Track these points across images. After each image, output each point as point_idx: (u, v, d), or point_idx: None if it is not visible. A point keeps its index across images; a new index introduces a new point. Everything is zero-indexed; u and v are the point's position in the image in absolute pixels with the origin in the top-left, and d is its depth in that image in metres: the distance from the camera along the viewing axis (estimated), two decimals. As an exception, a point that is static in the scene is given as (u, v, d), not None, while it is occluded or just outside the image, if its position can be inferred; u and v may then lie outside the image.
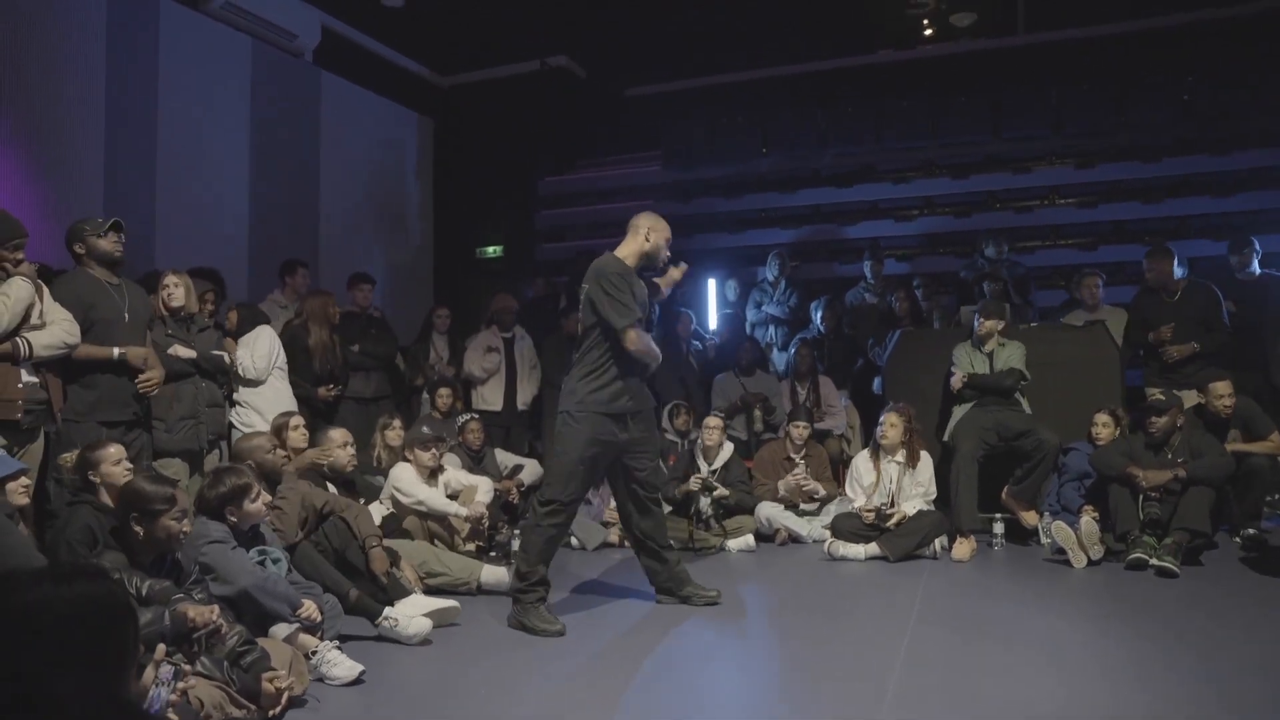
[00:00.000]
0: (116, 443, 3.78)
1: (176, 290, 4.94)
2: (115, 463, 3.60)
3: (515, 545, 4.89)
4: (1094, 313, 6.73)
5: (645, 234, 4.12)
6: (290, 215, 8.57)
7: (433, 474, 5.23)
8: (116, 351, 4.35)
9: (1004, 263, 7.70)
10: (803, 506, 6.05)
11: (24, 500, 3.46)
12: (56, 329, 4.05)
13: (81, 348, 4.23)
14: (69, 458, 3.78)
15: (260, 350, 5.42)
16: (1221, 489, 5.11)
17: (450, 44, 10.19)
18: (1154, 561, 4.76)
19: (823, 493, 5.97)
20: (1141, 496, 5.08)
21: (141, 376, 4.46)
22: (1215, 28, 8.90)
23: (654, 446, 4.29)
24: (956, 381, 5.82)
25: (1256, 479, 5.30)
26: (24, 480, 3.49)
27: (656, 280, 4.41)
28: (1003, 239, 7.87)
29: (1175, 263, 6.31)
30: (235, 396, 5.44)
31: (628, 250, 4.12)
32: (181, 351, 4.82)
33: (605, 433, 3.96)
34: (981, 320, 5.90)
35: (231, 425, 5.38)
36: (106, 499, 3.53)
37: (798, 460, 6.03)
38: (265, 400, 5.42)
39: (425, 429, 5.32)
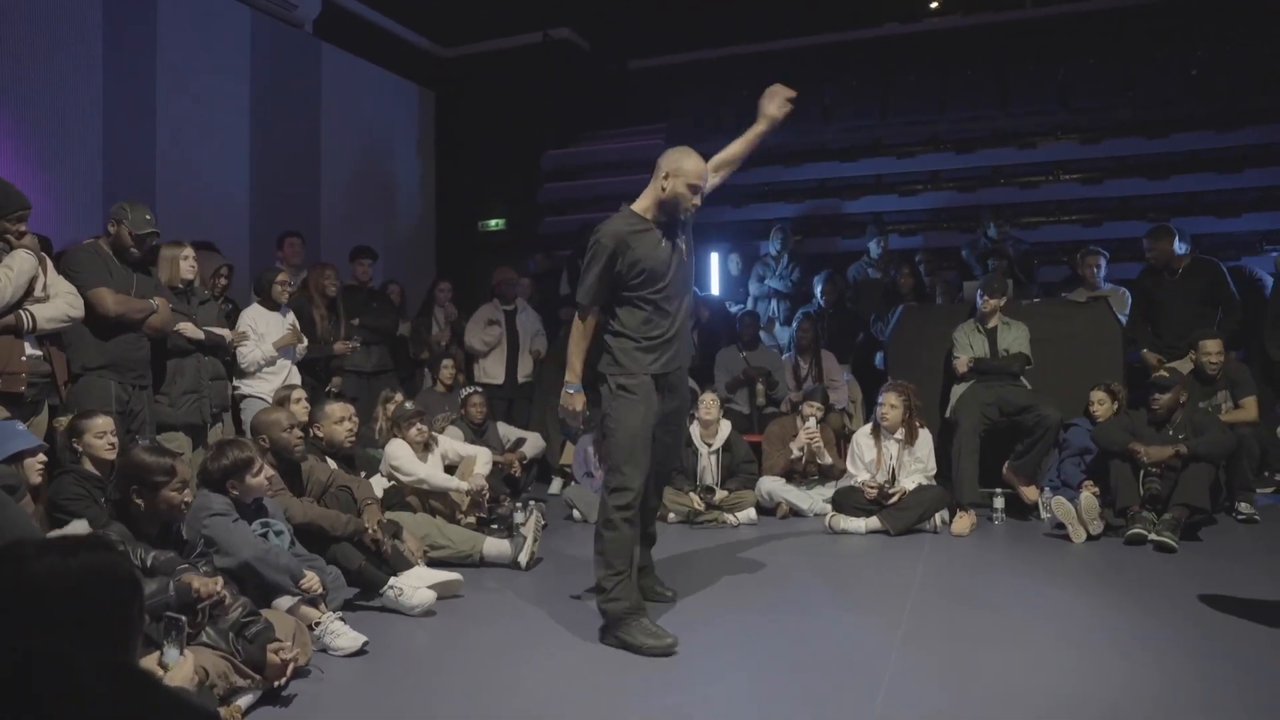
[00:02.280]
0: (107, 415, 3.80)
1: (194, 262, 4.96)
2: (99, 435, 3.64)
3: (518, 518, 4.91)
4: (1098, 289, 6.73)
5: (663, 179, 3.51)
6: (291, 188, 8.53)
7: (425, 447, 5.24)
8: (155, 303, 4.45)
9: (1008, 240, 7.68)
10: (804, 482, 6.06)
11: (38, 479, 3.48)
12: (60, 302, 4.05)
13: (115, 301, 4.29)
14: (63, 421, 3.82)
15: (268, 349, 5.49)
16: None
17: (451, 15, 10.11)
18: (1152, 536, 4.78)
19: (829, 459, 5.97)
20: (1142, 472, 5.10)
21: None
22: (1223, 3, 8.81)
23: (682, 419, 3.99)
24: (961, 366, 5.82)
25: (1243, 450, 5.34)
26: (41, 457, 3.51)
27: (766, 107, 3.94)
28: (1004, 218, 7.85)
29: (1176, 241, 6.32)
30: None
31: (645, 201, 3.58)
32: (189, 331, 4.83)
33: (654, 399, 3.54)
34: (985, 298, 5.89)
35: (243, 396, 5.43)
36: (89, 467, 3.61)
37: (810, 420, 5.95)
38: (274, 370, 5.47)
39: (407, 405, 5.36)
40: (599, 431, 6.19)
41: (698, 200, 3.55)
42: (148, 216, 4.44)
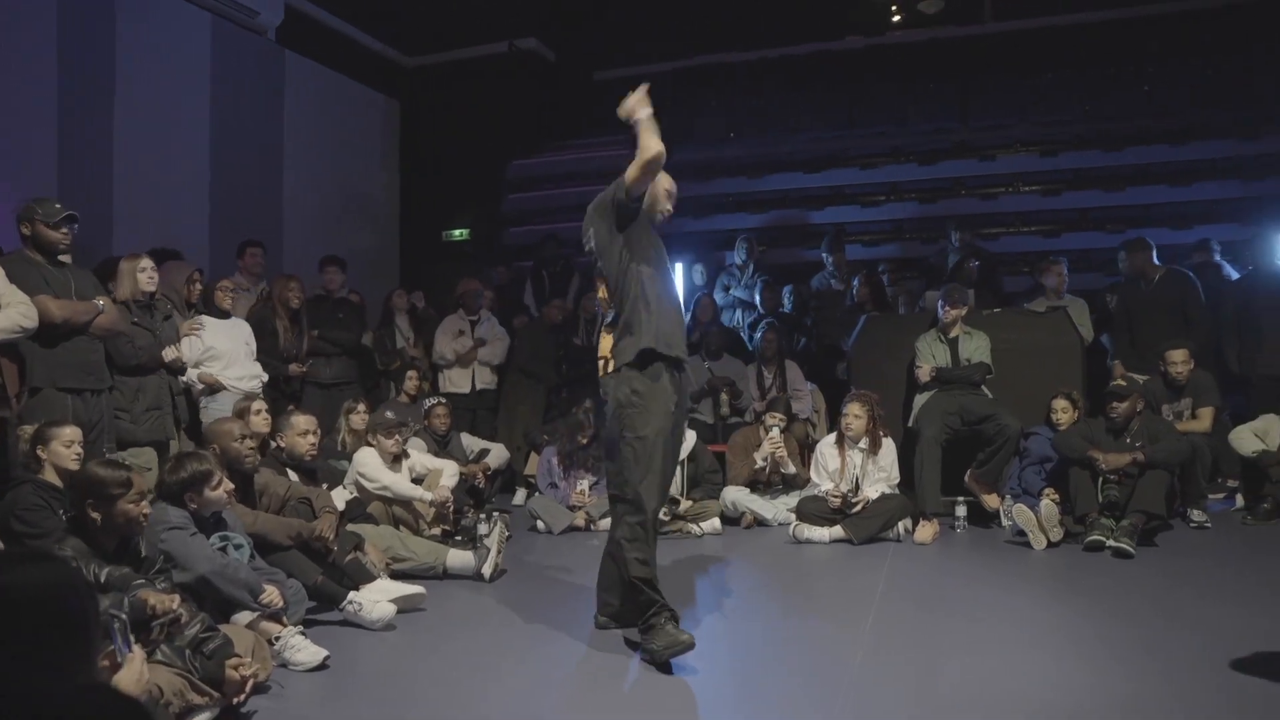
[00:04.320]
0: (76, 426, 3.74)
1: (153, 274, 4.84)
2: (67, 444, 3.57)
3: (481, 529, 4.88)
4: (1059, 299, 6.83)
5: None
6: (253, 196, 8.44)
7: (396, 459, 5.20)
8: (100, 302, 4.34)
9: (969, 249, 7.81)
10: (768, 492, 6.08)
11: None
12: (13, 312, 3.96)
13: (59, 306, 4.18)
14: (27, 430, 3.74)
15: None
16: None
17: (417, 24, 10.08)
18: (1110, 543, 4.85)
19: (792, 469, 6.00)
20: (1101, 479, 5.18)
21: None
22: (1173, 21, 9.04)
23: (684, 422, 3.77)
24: (924, 375, 5.88)
25: (1196, 457, 5.47)
26: None
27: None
28: (966, 226, 8.00)
29: (1153, 254, 6.46)
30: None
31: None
32: (169, 356, 4.78)
33: (669, 397, 3.41)
34: (947, 308, 5.96)
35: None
36: (51, 477, 3.52)
37: (774, 430, 5.97)
38: (230, 381, 5.40)
39: (389, 414, 5.29)
40: (564, 442, 6.19)
41: (670, 205, 3.56)
42: (57, 205, 4.31)
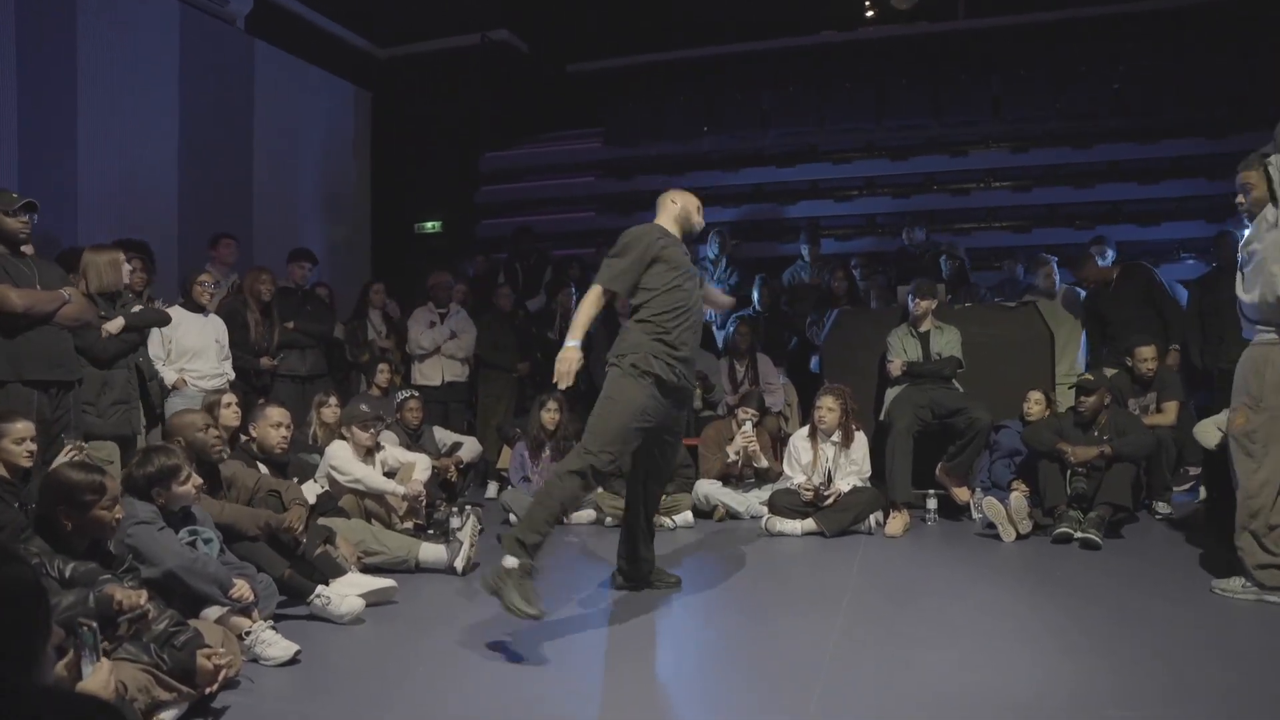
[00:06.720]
0: (29, 421, 3.65)
1: (129, 264, 4.78)
2: (17, 440, 3.46)
3: (454, 523, 4.86)
4: (1052, 298, 6.85)
5: (670, 203, 4.11)
6: (223, 188, 8.34)
7: (369, 452, 5.16)
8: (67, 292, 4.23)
9: (914, 244, 7.92)
10: (741, 485, 6.11)
11: None
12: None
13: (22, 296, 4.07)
14: None
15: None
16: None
17: (388, 15, 9.99)
18: (1078, 535, 4.91)
19: (764, 463, 6.02)
20: (1069, 472, 5.25)
21: None
22: (1143, 20, 9.14)
23: (682, 428, 4.19)
24: (895, 369, 5.92)
25: (1163, 450, 5.55)
26: None
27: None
28: (917, 224, 8.15)
29: (1097, 258, 6.55)
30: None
31: (664, 219, 4.09)
32: (111, 326, 4.67)
33: (657, 404, 3.74)
34: (917, 301, 6.00)
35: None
36: (1, 471, 3.43)
37: (746, 424, 6.01)
38: (193, 379, 5.36)
39: (363, 407, 5.25)
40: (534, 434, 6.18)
41: (701, 219, 4.16)
42: (14, 195, 4.22)
